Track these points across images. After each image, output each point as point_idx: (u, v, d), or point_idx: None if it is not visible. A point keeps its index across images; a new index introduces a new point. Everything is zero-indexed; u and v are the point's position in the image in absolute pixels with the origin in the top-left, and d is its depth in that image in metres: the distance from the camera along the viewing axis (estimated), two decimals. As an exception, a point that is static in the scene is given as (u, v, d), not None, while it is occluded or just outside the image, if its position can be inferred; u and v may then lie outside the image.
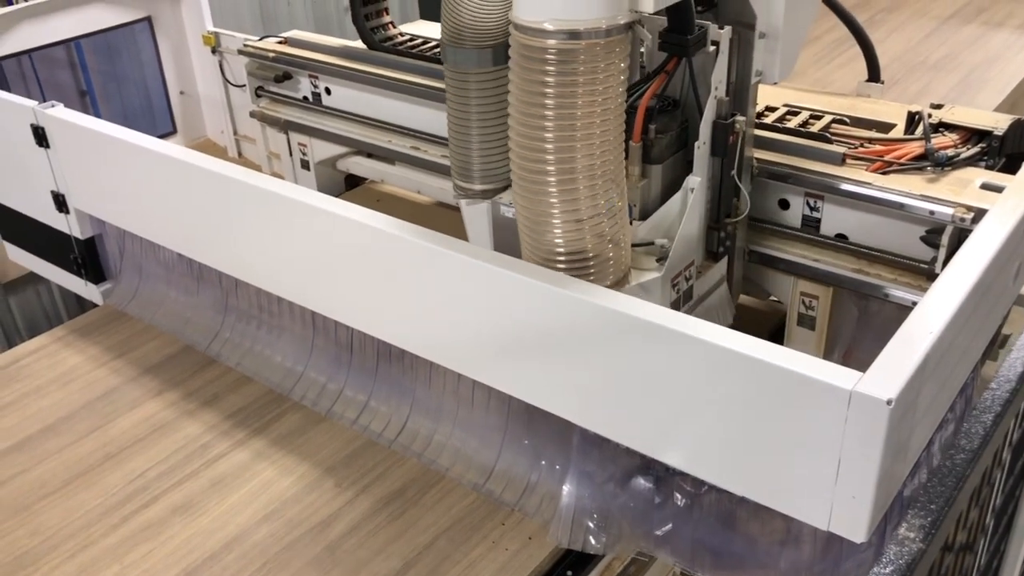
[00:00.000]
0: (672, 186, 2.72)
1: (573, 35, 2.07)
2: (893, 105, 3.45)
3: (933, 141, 2.88)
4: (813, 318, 3.11)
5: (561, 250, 2.30)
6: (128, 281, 3.65)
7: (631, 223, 2.62)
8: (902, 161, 2.85)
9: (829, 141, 2.98)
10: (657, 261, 2.61)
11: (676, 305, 2.73)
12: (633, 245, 2.58)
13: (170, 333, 3.43)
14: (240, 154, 4.75)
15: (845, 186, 2.83)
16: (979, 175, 2.80)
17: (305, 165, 4.37)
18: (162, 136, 4.73)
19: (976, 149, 2.88)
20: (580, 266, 2.32)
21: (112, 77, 4.73)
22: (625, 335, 2.21)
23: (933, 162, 2.81)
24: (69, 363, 3.32)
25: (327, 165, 4.31)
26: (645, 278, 2.56)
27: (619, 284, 2.45)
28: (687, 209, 2.69)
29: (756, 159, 2.91)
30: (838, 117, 3.11)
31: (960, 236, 2.65)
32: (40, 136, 3.53)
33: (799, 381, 1.99)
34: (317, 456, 2.88)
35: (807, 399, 2.00)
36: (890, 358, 2.01)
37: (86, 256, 3.76)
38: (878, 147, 2.95)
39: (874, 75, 3.58)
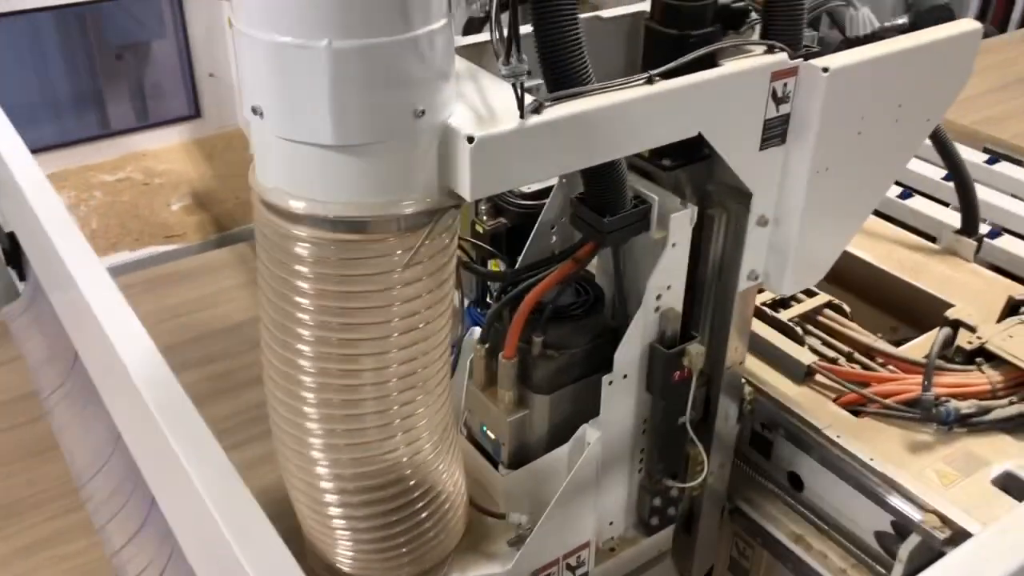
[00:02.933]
0: (576, 420, 1.75)
1: (337, 224, 1.27)
2: (983, 274, 2.39)
3: (952, 379, 1.86)
4: (747, 571, 2.17)
5: (331, 504, 1.54)
6: (29, 293, 3.23)
7: (496, 468, 1.79)
8: (888, 401, 1.85)
9: (799, 341, 2.01)
10: (509, 545, 1.72)
11: None
12: (477, 508, 1.75)
13: (28, 370, 2.96)
14: (261, 153, 4.23)
15: (785, 420, 1.88)
16: (1005, 457, 1.77)
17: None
18: (182, 119, 4.30)
19: (1016, 409, 1.82)
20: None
21: (129, 46, 4.30)
22: None
23: (926, 416, 1.79)
24: None
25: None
26: (476, 572, 1.69)
27: (429, 572, 1.65)
28: (575, 471, 1.70)
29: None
30: (834, 303, 2.11)
31: (929, 555, 1.66)
32: (-35, 116, 3.16)
33: None
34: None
35: None
36: None
37: (10, 249, 3.38)
38: (871, 368, 1.95)
39: (968, 226, 2.50)
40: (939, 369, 1.87)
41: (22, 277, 3.44)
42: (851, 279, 2.43)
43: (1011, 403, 1.84)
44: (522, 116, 1.25)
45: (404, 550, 1.59)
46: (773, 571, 2.13)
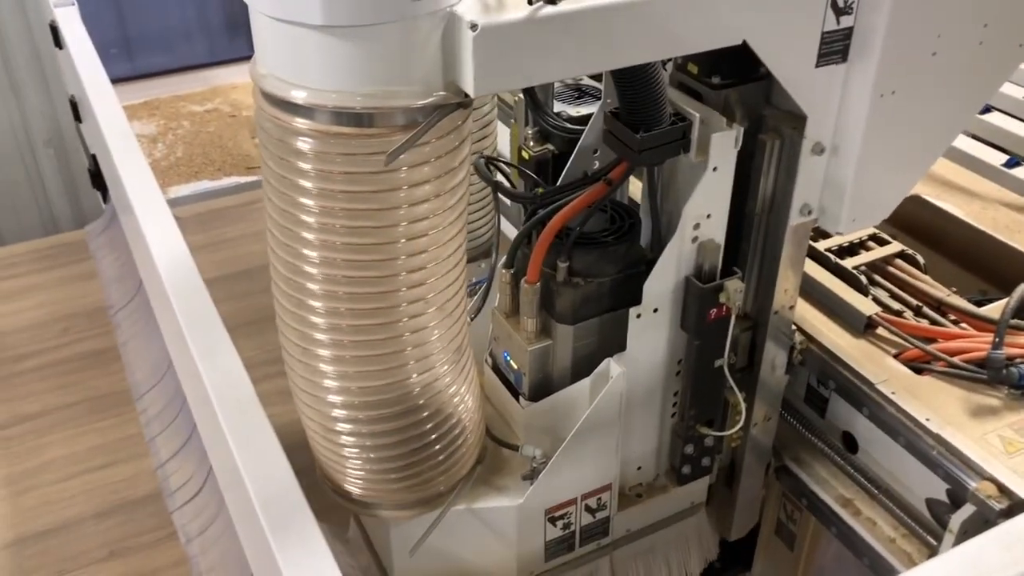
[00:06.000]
0: (604, 356, 1.64)
1: (337, 116, 1.20)
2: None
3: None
4: (793, 535, 2.04)
5: (342, 428, 1.49)
6: (109, 213, 3.30)
7: (518, 400, 1.73)
8: (955, 359, 1.69)
9: (863, 291, 1.85)
10: (523, 479, 1.65)
11: (567, 546, 1.75)
12: (494, 439, 1.69)
13: (103, 288, 3.03)
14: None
15: (838, 373, 1.74)
16: (1082, 426, 1.59)
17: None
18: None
19: (1100, 377, 1.64)
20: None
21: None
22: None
23: (994, 377, 1.63)
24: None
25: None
26: (485, 504, 1.62)
27: (437, 499, 1.58)
28: (594, 406, 1.61)
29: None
30: (907, 252, 1.94)
31: (983, 528, 1.51)
32: (56, 36, 3.23)
33: None
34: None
35: None
36: None
37: (94, 170, 3.46)
38: (940, 323, 1.79)
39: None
40: (1016, 329, 1.70)
41: (106, 199, 3.53)
42: (940, 236, 2.26)
43: (1095, 371, 1.65)
44: (530, 2, 1.15)
45: (410, 473, 1.53)
46: (820, 536, 2.00)
